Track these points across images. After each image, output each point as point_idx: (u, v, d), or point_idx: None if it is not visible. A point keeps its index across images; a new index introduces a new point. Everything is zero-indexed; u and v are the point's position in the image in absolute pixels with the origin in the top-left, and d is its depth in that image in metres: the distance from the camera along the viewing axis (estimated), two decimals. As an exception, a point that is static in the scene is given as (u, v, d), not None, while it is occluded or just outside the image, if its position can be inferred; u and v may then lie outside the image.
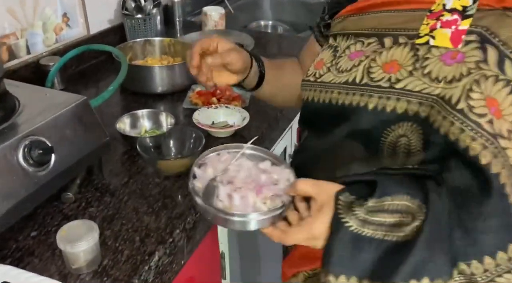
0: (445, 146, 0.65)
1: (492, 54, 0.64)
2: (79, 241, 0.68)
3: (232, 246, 1.10)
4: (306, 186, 0.67)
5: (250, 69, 0.87)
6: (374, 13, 0.78)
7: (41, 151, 0.75)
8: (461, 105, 0.63)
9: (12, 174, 0.73)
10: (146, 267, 0.72)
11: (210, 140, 1.02)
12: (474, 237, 0.62)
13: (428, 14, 0.69)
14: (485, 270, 0.61)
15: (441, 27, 0.67)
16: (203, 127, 1.03)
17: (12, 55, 1.19)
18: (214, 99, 1.16)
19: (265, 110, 1.15)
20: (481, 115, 0.62)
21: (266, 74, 0.90)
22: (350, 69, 0.75)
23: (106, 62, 1.41)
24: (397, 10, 0.75)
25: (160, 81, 1.21)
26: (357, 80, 0.73)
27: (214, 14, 1.64)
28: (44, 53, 1.27)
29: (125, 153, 0.99)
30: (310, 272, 0.81)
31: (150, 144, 0.95)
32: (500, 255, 0.61)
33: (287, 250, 0.90)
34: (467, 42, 0.66)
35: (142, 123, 1.06)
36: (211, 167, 0.71)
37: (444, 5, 0.68)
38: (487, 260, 0.61)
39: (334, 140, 0.76)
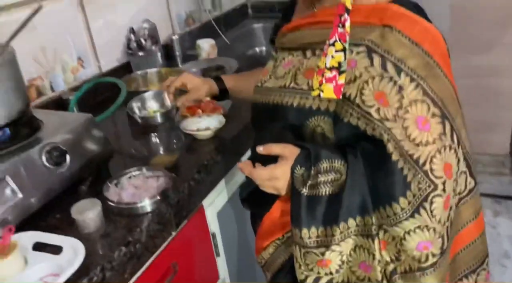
0: (348, 130, 0.87)
1: (376, 60, 0.85)
2: (87, 211, 0.94)
3: (223, 228, 1.34)
4: (275, 146, 0.90)
5: None
6: (300, 31, 0.99)
7: (58, 153, 1.03)
8: (357, 100, 0.85)
9: (38, 171, 1.01)
10: (138, 230, 0.97)
11: (195, 142, 1.28)
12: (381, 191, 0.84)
13: (317, 70, 0.89)
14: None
15: (325, 82, 0.86)
16: (189, 132, 1.29)
17: (40, 93, 1.50)
18: (199, 110, 1.42)
19: (241, 115, 1.40)
20: (370, 106, 0.84)
21: (230, 86, 1.24)
22: (284, 76, 0.98)
23: (117, 94, 1.70)
24: (314, 28, 0.96)
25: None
26: (287, 85, 0.96)
27: (205, 46, 1.93)
28: (64, 90, 1.57)
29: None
30: (282, 237, 1.01)
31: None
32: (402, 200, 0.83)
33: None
34: (358, 53, 0.86)
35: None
36: None
37: (325, 63, 0.86)
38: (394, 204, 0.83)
39: (272, 134, 0.99)
